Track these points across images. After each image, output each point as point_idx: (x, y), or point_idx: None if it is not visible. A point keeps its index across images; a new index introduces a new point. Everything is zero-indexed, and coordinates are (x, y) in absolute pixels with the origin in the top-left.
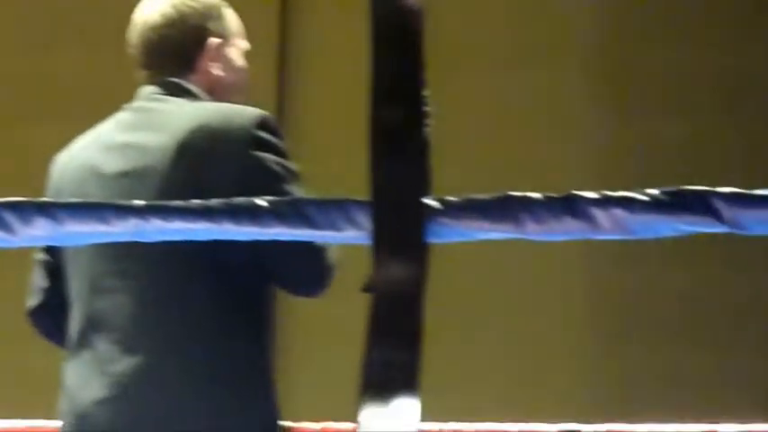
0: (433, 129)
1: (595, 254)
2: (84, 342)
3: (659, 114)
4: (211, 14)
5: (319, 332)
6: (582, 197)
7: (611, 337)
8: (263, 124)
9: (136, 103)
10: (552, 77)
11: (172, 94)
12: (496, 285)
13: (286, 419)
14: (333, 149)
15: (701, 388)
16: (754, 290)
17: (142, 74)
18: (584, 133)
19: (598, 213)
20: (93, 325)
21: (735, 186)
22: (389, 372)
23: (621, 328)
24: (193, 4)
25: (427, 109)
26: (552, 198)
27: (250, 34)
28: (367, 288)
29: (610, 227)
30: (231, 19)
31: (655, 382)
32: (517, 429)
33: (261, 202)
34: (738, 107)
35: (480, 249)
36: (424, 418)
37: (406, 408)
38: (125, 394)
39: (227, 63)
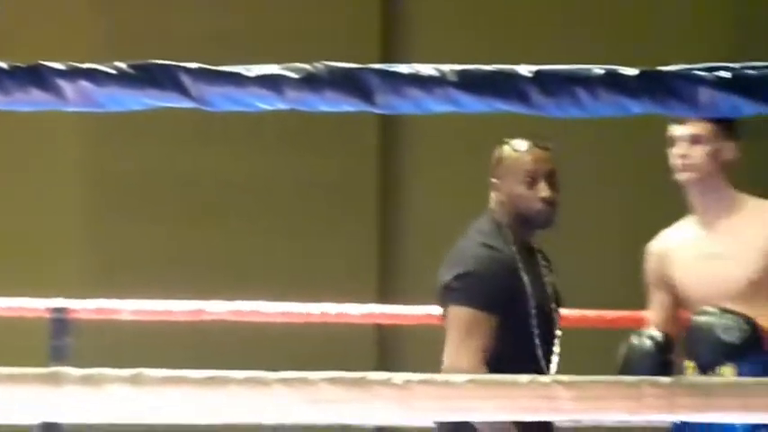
0: None
1: (94, 129)
2: None
3: None
4: None
5: None
6: (48, 68)
7: (103, 214)
8: None
9: None
10: None
11: None
12: None
13: None
14: None
15: (195, 265)
16: (246, 168)
17: None
18: None
19: (65, 85)
20: None
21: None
22: None
23: (116, 206)
24: None
25: None
26: (18, 68)
27: None
28: None
29: (77, 99)
30: None
31: (145, 260)
32: (45, 306)
33: None
34: None
35: None
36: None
37: None
38: None
39: None
